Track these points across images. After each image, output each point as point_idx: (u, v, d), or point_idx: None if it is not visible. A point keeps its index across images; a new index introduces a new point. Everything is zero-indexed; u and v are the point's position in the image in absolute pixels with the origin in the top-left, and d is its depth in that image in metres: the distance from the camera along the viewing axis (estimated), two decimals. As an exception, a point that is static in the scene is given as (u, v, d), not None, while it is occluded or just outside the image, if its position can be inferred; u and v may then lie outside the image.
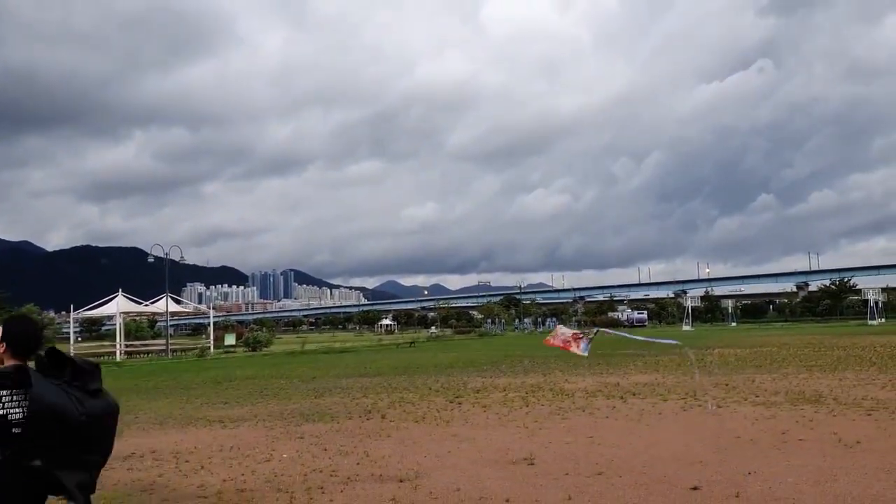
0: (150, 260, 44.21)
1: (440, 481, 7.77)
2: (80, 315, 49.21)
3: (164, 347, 47.04)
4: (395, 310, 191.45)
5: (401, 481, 7.86)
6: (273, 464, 9.06)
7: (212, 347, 49.16)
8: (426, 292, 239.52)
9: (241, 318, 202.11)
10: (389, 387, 19.05)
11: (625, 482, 7.47)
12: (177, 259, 46.45)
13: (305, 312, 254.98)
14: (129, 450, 10.49)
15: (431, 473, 8.19)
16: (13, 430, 3.51)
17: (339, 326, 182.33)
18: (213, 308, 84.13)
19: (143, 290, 45.58)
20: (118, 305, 44.86)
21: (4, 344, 3.78)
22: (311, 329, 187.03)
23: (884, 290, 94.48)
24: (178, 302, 57.58)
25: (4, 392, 3.56)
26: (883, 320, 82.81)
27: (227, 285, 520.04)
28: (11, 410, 3.54)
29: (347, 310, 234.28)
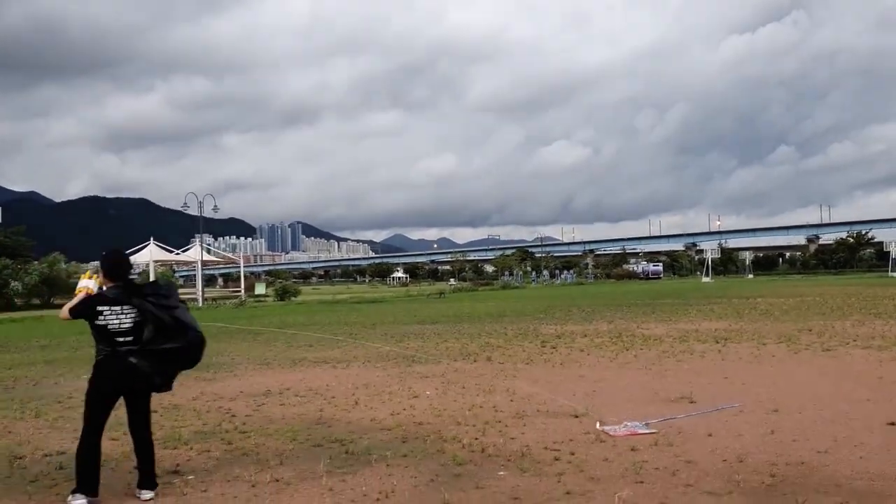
0: (184, 209, 44.01)
1: (622, 417, 7.67)
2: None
3: (195, 296, 47.16)
4: (404, 263, 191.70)
5: (575, 416, 7.79)
6: (424, 401, 9.00)
7: (243, 296, 49.31)
8: (435, 245, 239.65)
9: (251, 269, 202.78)
10: (462, 333, 19.02)
11: (812, 418, 7.37)
12: (212, 209, 46.22)
13: (315, 265, 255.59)
14: (260, 387, 10.47)
15: (600, 410, 8.10)
16: (116, 337, 5.14)
17: (352, 279, 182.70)
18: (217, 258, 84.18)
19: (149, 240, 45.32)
20: (151, 254, 44.82)
21: (102, 272, 5.32)
22: (322, 281, 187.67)
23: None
24: (207, 251, 57.54)
25: (105, 308, 5.18)
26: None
27: (234, 237, 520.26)
28: (111, 321, 5.16)
29: (356, 262, 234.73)
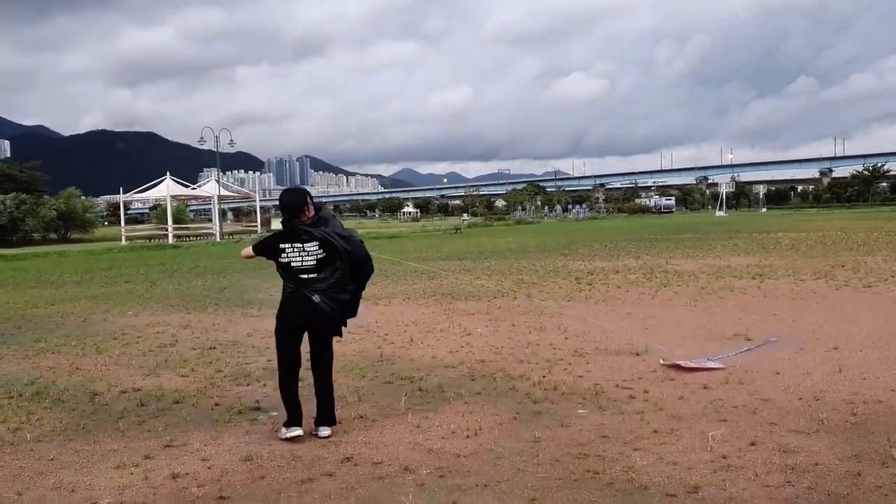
0: (200, 144, 43.79)
1: (683, 355, 7.72)
2: (130, 197, 49.27)
3: (212, 231, 47.36)
4: (414, 197, 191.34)
5: (636, 354, 7.87)
6: (478, 338, 9.09)
7: (259, 230, 49.47)
8: (445, 180, 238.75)
9: (262, 204, 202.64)
10: (492, 269, 19.10)
11: (875, 356, 7.42)
12: (228, 143, 45.98)
13: (324, 199, 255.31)
14: (310, 325, 10.57)
15: (659, 348, 8.18)
16: (300, 275, 5.18)
17: (362, 213, 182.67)
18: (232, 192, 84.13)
19: (159, 175, 45.16)
20: (168, 188, 44.82)
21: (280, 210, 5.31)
22: (333, 215, 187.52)
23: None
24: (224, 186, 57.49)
25: (287, 245, 5.20)
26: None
27: (243, 171, 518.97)
28: (294, 258, 5.18)
29: (366, 197, 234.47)
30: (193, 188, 49.88)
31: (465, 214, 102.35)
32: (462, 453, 4.83)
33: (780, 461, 4.52)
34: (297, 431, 5.24)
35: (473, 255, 25.29)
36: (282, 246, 5.22)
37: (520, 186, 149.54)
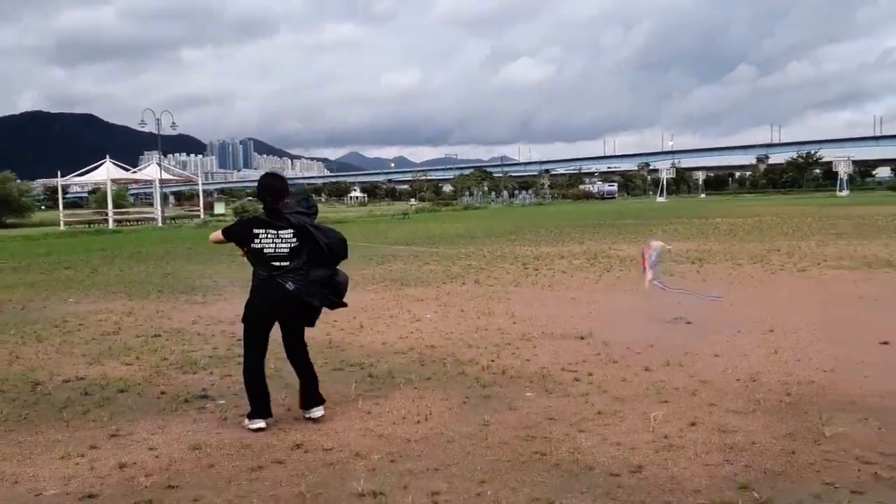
0: (141, 126, 42.69)
1: (618, 338, 7.93)
2: (68, 181, 47.84)
3: (154, 216, 46.35)
4: (361, 182, 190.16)
5: (581, 338, 8.03)
6: (428, 324, 9.16)
7: (202, 215, 48.63)
8: (392, 164, 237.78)
9: (204, 187, 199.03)
10: (441, 255, 19.18)
11: (808, 338, 7.72)
12: (170, 126, 44.91)
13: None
14: (257, 312, 10.49)
15: (602, 331, 8.37)
16: (272, 262, 5.05)
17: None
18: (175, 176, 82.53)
19: (98, 158, 43.94)
20: (108, 172, 43.66)
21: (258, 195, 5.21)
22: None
23: (855, 162, 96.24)
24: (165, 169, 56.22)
25: (261, 230, 5.08)
26: (849, 192, 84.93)
27: (184, 154, 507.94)
28: (267, 245, 5.06)
29: (312, 181, 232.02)
30: (134, 172, 48.59)
31: (412, 199, 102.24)
32: (413, 438, 4.89)
33: (719, 440, 4.70)
34: (261, 424, 5.17)
35: (422, 240, 25.34)
36: (255, 231, 5.11)
37: (467, 172, 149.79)
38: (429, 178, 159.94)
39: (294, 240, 5.11)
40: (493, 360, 7.07)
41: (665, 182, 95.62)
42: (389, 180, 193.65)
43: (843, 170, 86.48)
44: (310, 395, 5.41)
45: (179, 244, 26.17)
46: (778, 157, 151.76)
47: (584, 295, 11.30)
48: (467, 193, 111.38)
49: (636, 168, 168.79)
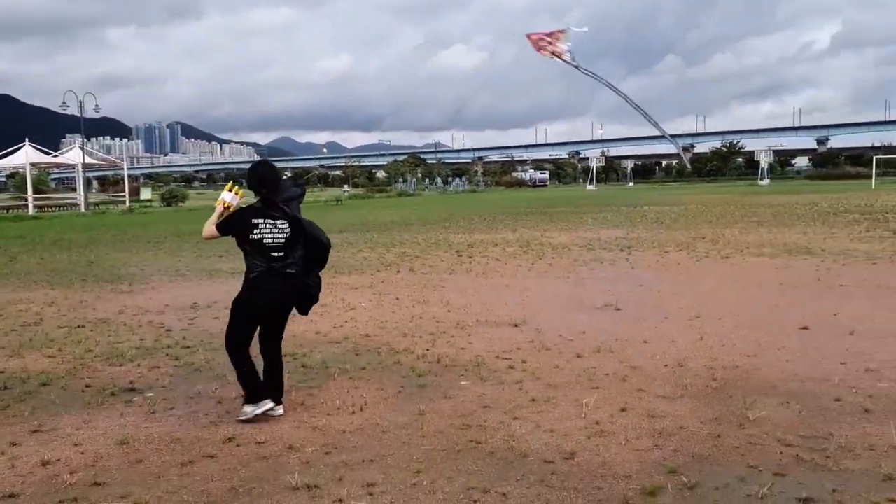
0: (63, 108, 41.00)
1: (551, 326, 8.04)
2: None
3: (76, 201, 44.74)
4: (293, 167, 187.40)
5: (515, 326, 8.11)
6: (363, 312, 9.11)
7: (127, 201, 47.20)
8: (325, 150, 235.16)
9: (130, 172, 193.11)
10: (375, 242, 19.09)
11: (732, 324, 7.98)
12: (93, 108, 43.23)
13: (197, 167, 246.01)
14: (185, 300, 10.27)
15: (536, 319, 8.47)
16: (271, 252, 4.94)
17: (239, 183, 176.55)
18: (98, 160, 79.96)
19: (17, 141, 42.18)
20: (27, 155, 41.88)
21: (249, 185, 5.05)
22: (205, 185, 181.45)
23: (776, 152, 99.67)
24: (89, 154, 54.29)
25: (260, 220, 4.94)
26: (769, 181, 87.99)
27: (109, 138, 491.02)
28: (266, 235, 4.95)
29: (242, 166, 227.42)
30: (55, 155, 46.79)
31: (346, 185, 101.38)
32: (347, 429, 4.86)
33: (649, 426, 4.81)
34: (271, 404, 5.07)
35: (356, 227, 25.15)
36: (255, 221, 4.95)
37: (401, 158, 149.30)
38: (362, 163, 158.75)
39: (288, 229, 5.00)
40: (428, 349, 7.08)
41: (595, 170, 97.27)
42: (322, 166, 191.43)
43: (765, 159, 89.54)
44: (276, 390, 5.25)
45: (104, 231, 25.35)
46: (703, 147, 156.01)
47: (517, 282, 11.41)
48: (401, 180, 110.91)
49: (567, 156, 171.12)
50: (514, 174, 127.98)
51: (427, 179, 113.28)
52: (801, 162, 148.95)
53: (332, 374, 6.27)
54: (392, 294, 10.44)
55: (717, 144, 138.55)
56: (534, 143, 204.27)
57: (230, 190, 5.31)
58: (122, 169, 57.58)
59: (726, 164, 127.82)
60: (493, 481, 3.95)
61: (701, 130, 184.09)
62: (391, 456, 4.35)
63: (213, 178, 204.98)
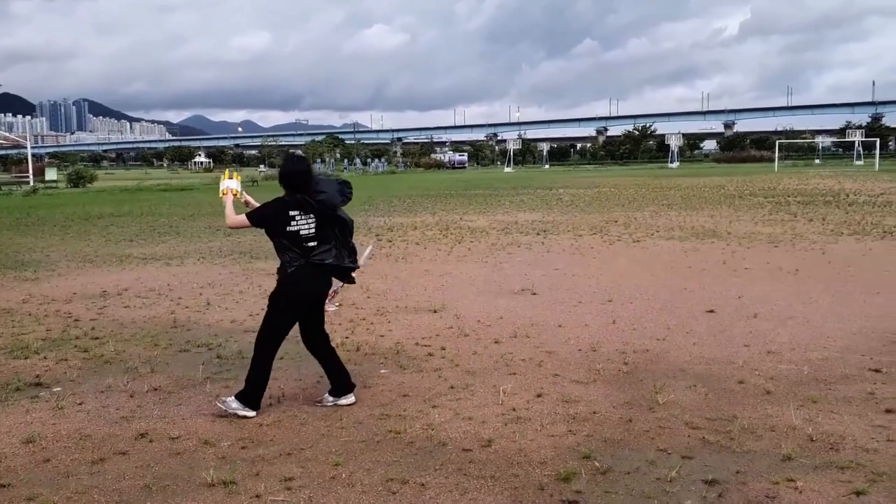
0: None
1: (470, 311, 8.13)
2: None
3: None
4: (206, 147, 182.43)
5: (434, 311, 8.16)
6: (279, 299, 8.99)
7: (31, 182, 45.04)
8: (240, 129, 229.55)
9: (34, 151, 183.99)
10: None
11: (643, 307, 8.24)
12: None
13: (106, 147, 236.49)
14: (94, 288, 9.92)
15: (455, 304, 8.54)
16: (307, 243, 4.85)
17: (148, 163, 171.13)
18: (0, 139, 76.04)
19: None
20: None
21: (280, 181, 4.93)
22: (114, 165, 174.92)
23: (685, 136, 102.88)
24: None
25: (296, 213, 4.83)
26: (679, 163, 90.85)
27: (10, 115, 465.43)
28: (302, 227, 4.85)
29: (153, 145, 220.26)
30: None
31: (261, 166, 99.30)
32: (265, 422, 4.81)
33: (563, 411, 4.94)
34: (254, 414, 4.90)
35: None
36: (292, 213, 4.82)
37: (319, 138, 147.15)
38: (279, 143, 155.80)
39: (315, 221, 4.87)
40: (347, 337, 7.06)
41: (512, 152, 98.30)
42: (237, 145, 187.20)
43: (674, 143, 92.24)
44: (345, 379, 5.18)
45: (6, 214, 24.14)
46: (616, 130, 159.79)
47: (436, 267, 11.47)
48: (319, 161, 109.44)
49: (485, 138, 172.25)
50: (434, 156, 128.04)
51: (346, 160, 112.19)
52: (709, 145, 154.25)
53: (248, 364, 6.16)
54: (310, 280, 10.33)
55: (630, 128, 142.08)
56: (453, 124, 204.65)
57: (230, 178, 5.18)
58: (26, 148, 54.79)
59: (638, 148, 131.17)
60: (411, 471, 3.98)
61: (615, 114, 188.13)
62: (310, 449, 4.33)
63: (123, 158, 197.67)
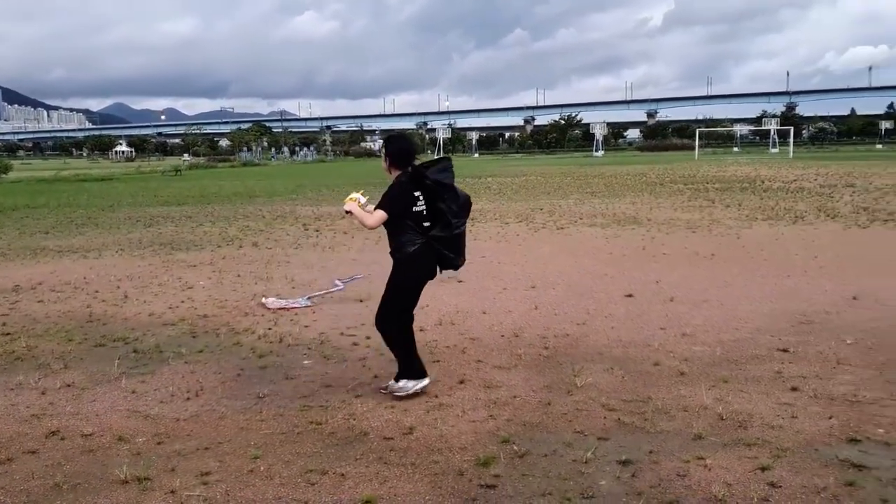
0: None
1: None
2: None
3: None
4: (128, 135, 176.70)
5: (360, 301, 8.13)
6: (201, 292, 8.81)
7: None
8: (163, 117, 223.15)
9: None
10: (216, 216, 18.47)
11: (564, 293, 8.39)
12: None
13: (22, 136, 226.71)
14: (5, 282, 9.56)
15: (381, 293, 8.49)
16: (424, 223, 4.91)
17: (67, 153, 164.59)
18: None
19: None
20: None
21: (389, 158, 5.03)
22: (31, 155, 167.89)
23: (609, 125, 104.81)
24: None
25: (418, 192, 4.86)
26: (603, 152, 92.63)
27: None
28: (421, 207, 4.88)
29: (72, 134, 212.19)
30: None
31: (185, 155, 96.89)
32: (182, 417, 4.72)
33: (485, 396, 5.00)
34: (427, 381, 5.03)
35: (197, 199, 24.19)
36: (416, 194, 4.85)
37: (246, 126, 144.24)
38: (204, 132, 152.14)
39: (424, 200, 4.90)
40: (270, 329, 6.97)
41: (442, 141, 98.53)
42: (160, 134, 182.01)
43: (599, 132, 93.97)
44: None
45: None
46: (543, 119, 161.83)
47: (364, 255, 11.43)
48: (246, 149, 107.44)
49: (415, 127, 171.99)
50: (363, 144, 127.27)
51: (274, 149, 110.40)
52: (633, 134, 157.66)
53: (167, 358, 6.04)
54: (233, 271, 10.17)
55: (557, 117, 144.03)
56: (383, 113, 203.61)
57: (359, 193, 5.14)
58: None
59: (565, 137, 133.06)
60: (331, 462, 3.97)
61: (542, 103, 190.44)
62: (228, 443, 4.27)
63: (41, 148, 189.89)
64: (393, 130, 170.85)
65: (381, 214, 4.92)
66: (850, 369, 5.44)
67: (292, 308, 7.78)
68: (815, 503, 3.44)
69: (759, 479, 3.68)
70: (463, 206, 5.02)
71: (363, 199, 5.15)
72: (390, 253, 5.08)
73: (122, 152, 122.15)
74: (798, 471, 3.77)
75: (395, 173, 4.98)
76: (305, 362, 5.90)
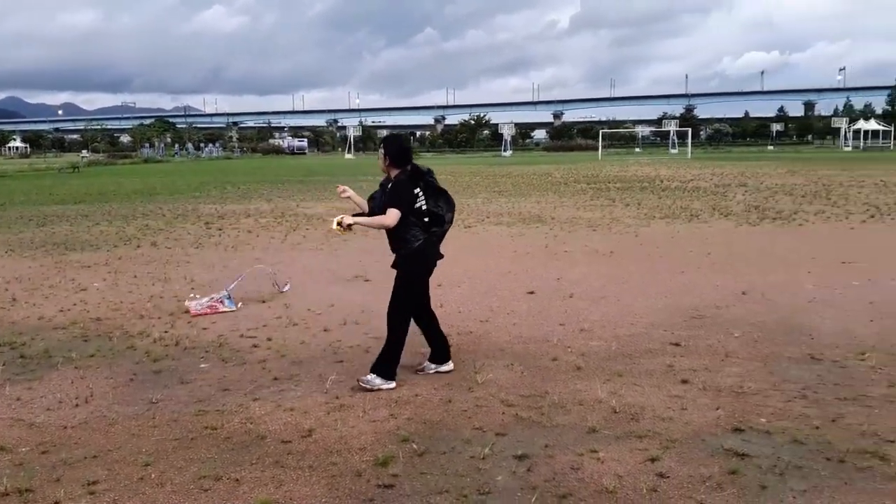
0: None
1: (301, 300, 8.05)
2: None
3: None
4: (23, 130, 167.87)
5: (263, 301, 7.99)
6: (95, 294, 8.48)
7: None
8: (60, 112, 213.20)
9: None
10: (114, 214, 17.80)
11: (469, 291, 8.48)
12: None
13: None
14: None
15: (285, 293, 8.41)
16: (425, 218, 5.15)
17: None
18: None
19: None
20: None
21: (388, 158, 5.19)
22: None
23: (517, 125, 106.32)
24: None
25: (418, 189, 5.11)
26: (511, 152, 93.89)
27: None
28: (422, 203, 5.14)
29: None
30: None
31: (84, 151, 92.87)
32: (70, 424, 4.53)
33: (386, 396, 5.00)
34: (393, 384, 5.14)
35: (94, 198, 23.24)
36: (416, 191, 5.10)
37: (148, 122, 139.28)
38: (104, 127, 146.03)
39: (423, 196, 5.17)
40: (166, 331, 6.77)
41: (353, 139, 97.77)
42: (57, 129, 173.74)
43: (507, 132, 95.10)
44: (442, 348, 5.49)
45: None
46: (453, 119, 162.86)
47: (268, 255, 11.24)
48: (148, 145, 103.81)
49: (325, 124, 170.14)
50: (272, 141, 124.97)
51: (177, 145, 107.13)
52: (540, 134, 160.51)
53: (56, 363, 5.79)
54: (130, 272, 9.83)
55: (467, 117, 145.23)
56: (292, 109, 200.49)
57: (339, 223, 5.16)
58: None
59: (474, 136, 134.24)
60: (226, 467, 3.90)
61: (452, 103, 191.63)
62: (118, 450, 4.13)
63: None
64: (303, 127, 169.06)
65: (397, 212, 5.07)
66: (737, 361, 5.71)
67: (220, 311, 7.47)
68: (700, 492, 3.59)
69: (649, 471, 3.82)
70: (450, 203, 5.32)
71: (348, 219, 5.24)
72: (393, 250, 5.27)
73: (17, 148, 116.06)
74: (685, 461, 3.93)
75: (395, 172, 5.18)
76: (202, 366, 5.76)
